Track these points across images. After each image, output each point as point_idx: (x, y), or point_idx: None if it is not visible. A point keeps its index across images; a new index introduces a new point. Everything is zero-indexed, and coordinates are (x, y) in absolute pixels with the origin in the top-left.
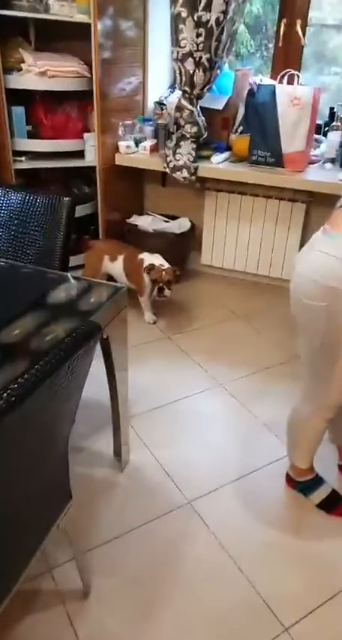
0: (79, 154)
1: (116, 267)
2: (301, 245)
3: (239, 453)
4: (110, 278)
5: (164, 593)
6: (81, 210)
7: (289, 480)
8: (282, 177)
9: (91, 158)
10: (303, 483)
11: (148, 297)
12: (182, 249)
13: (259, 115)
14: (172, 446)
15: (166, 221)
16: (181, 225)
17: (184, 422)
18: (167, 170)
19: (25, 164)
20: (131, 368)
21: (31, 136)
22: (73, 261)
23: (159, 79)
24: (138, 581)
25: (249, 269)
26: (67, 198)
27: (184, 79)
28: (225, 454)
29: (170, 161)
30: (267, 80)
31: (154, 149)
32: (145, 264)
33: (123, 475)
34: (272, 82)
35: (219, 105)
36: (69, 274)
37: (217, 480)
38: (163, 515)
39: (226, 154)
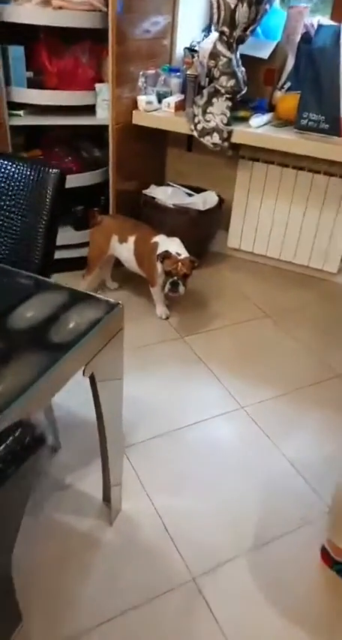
0: (90, 110)
1: (126, 250)
2: None
3: (259, 505)
4: (119, 262)
5: None
6: (90, 178)
7: (325, 555)
8: (337, 149)
9: (103, 115)
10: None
11: (160, 289)
12: (206, 228)
13: (315, 67)
14: (176, 490)
15: (190, 194)
16: (207, 200)
17: (195, 456)
18: (194, 133)
19: (23, 119)
20: (133, 377)
21: (32, 84)
22: (79, 237)
23: (192, 20)
24: None
25: (284, 257)
26: (54, 170)
27: (222, 15)
28: (241, 506)
29: (198, 122)
30: (327, 22)
31: (180, 107)
32: (160, 250)
33: (111, 530)
34: (334, 24)
35: (264, 52)
36: (48, 280)
37: (229, 548)
38: (158, 596)
39: (267, 116)
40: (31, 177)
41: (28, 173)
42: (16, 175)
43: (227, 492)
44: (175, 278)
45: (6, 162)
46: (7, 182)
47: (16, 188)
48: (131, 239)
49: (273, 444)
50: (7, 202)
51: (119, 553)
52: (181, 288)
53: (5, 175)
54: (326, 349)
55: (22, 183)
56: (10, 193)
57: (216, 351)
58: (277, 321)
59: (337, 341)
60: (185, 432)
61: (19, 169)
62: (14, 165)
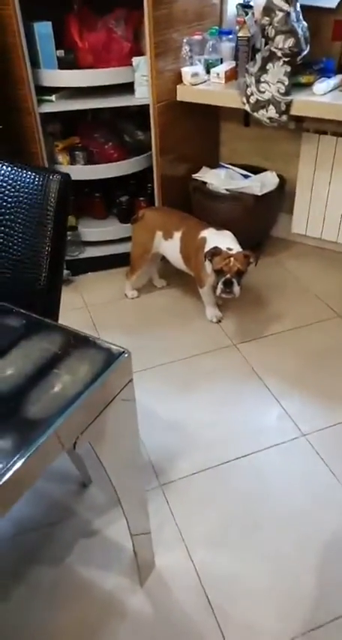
0: (129, 88)
1: (171, 247)
2: None
3: (317, 570)
4: (165, 261)
5: None
6: (134, 165)
7: None
8: None
9: (143, 93)
10: None
11: (210, 290)
12: (265, 215)
13: None
14: (222, 543)
15: (246, 175)
16: (265, 182)
17: (244, 498)
18: (247, 108)
19: (55, 105)
20: (175, 395)
21: (63, 64)
22: (125, 230)
23: None
24: None
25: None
26: (56, 175)
27: None
28: (296, 572)
29: (251, 94)
30: None
31: (232, 76)
32: (208, 246)
33: (141, 592)
34: None
35: (332, 1)
36: (41, 318)
37: (281, 627)
38: None
39: (336, 80)
40: (33, 183)
41: (28, 179)
42: (13, 180)
43: (281, 549)
44: (228, 276)
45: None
46: (5, 190)
47: (14, 197)
48: (177, 235)
49: (339, 482)
50: (7, 214)
51: (148, 624)
52: (236, 289)
53: (2, 182)
54: None
55: (22, 191)
56: (8, 203)
57: (275, 363)
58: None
59: None
60: (233, 466)
61: (17, 174)
62: (10, 168)
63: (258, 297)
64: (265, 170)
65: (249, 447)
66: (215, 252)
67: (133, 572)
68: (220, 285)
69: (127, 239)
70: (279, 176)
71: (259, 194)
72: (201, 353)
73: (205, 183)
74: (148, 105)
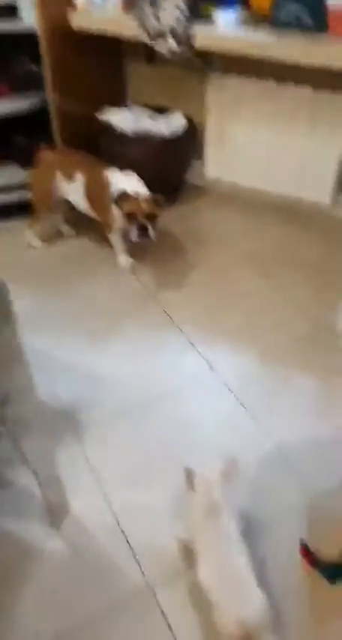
0: (11, 12)
1: (73, 190)
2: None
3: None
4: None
5: None
6: (28, 102)
7: (309, 556)
8: (324, 51)
9: (29, 18)
10: (336, 568)
11: (119, 235)
12: (176, 158)
13: None
14: (138, 483)
15: (154, 117)
16: (174, 123)
17: (162, 439)
18: (145, 38)
19: None
20: (90, 346)
21: None
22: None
23: None
24: None
25: (271, 187)
26: None
27: None
28: None
29: (148, 21)
30: None
31: (131, 3)
32: (113, 188)
33: (58, 538)
34: None
35: None
36: None
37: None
38: (110, 610)
39: (238, 11)
40: None
41: None
42: None
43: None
44: (142, 221)
45: None
46: None
47: None
48: (79, 177)
49: (255, 421)
50: None
51: (67, 565)
52: (152, 233)
53: None
54: (322, 297)
55: None
56: None
57: (190, 308)
58: (265, 268)
59: (335, 286)
60: (149, 409)
61: None
62: None
63: (174, 245)
64: (173, 111)
65: (167, 391)
66: (123, 196)
67: (47, 521)
68: (134, 231)
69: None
70: (188, 118)
71: (168, 136)
72: (115, 304)
73: (111, 124)
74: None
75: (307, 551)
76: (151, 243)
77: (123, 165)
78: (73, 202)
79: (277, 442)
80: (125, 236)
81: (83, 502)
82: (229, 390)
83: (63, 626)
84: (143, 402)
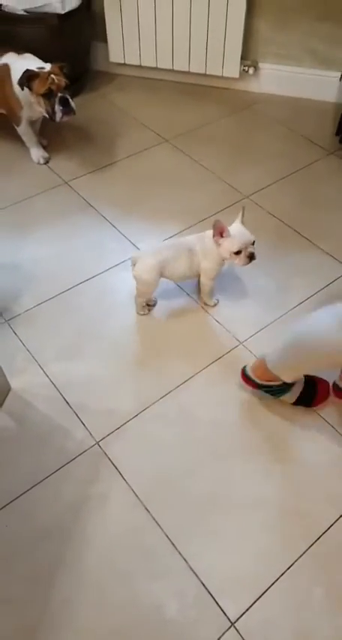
0: None
1: None
2: (249, 18)
3: (161, 354)
4: None
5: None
6: None
7: (246, 379)
8: None
9: None
10: (273, 388)
11: (28, 126)
12: (75, 39)
13: None
14: (73, 356)
15: None
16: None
17: (91, 316)
18: None
19: None
20: (11, 240)
21: None
22: None
23: None
24: (35, 567)
25: (178, 66)
26: None
27: None
28: (138, 360)
29: None
30: None
31: None
32: (14, 73)
33: (2, 413)
34: None
35: None
36: None
37: (133, 405)
38: (63, 466)
39: None
40: None
41: None
42: None
43: (126, 349)
44: (61, 94)
45: None
46: None
47: None
48: None
49: (177, 287)
50: None
51: (14, 436)
52: (73, 103)
53: None
54: (236, 168)
55: None
56: None
57: (108, 193)
58: (177, 145)
59: (249, 159)
60: (77, 291)
61: None
62: None
63: (86, 133)
64: None
65: (91, 272)
66: (31, 75)
67: None
68: (58, 108)
69: None
70: None
71: (62, 12)
72: (30, 196)
73: None
74: None
75: (247, 379)
76: (58, 126)
77: (16, 49)
78: None
79: (215, 314)
80: (34, 125)
81: (23, 379)
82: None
83: (17, 488)
84: (69, 284)
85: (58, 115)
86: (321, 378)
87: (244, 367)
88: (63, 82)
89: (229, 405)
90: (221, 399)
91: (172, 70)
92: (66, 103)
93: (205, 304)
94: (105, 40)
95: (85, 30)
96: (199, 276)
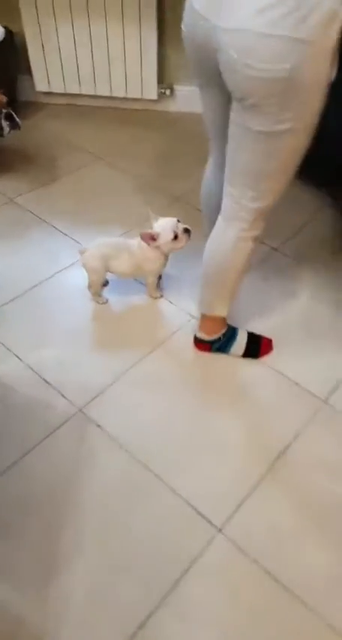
0: None
1: None
2: (160, 46)
3: (124, 326)
4: None
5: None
6: None
7: (201, 343)
8: None
9: None
10: (219, 340)
11: None
12: (1, 73)
13: None
14: (47, 344)
15: None
16: None
17: (56, 309)
18: None
19: None
20: None
21: None
22: None
23: None
24: (38, 524)
25: (101, 91)
26: None
27: None
28: (110, 337)
29: None
30: None
31: None
32: None
33: None
34: None
35: None
36: None
37: (109, 374)
38: (49, 435)
39: None
40: None
41: None
42: None
43: (92, 334)
44: (6, 111)
45: None
46: None
47: None
48: None
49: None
50: None
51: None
52: (17, 118)
53: None
54: (165, 177)
55: None
56: None
57: (54, 206)
58: (112, 161)
59: (175, 168)
60: (40, 289)
61: None
62: None
63: (25, 155)
64: None
65: (49, 272)
66: None
67: None
68: (5, 123)
69: None
70: (6, 28)
71: None
72: None
73: None
74: None
75: (199, 343)
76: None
77: None
78: None
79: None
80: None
81: (1, 368)
82: None
83: (9, 457)
84: (32, 283)
85: (6, 130)
86: (265, 337)
87: (195, 335)
88: (4, 99)
89: (189, 366)
90: (182, 363)
91: (96, 96)
92: (11, 117)
93: (151, 297)
94: (30, 72)
95: (10, 62)
96: (142, 275)
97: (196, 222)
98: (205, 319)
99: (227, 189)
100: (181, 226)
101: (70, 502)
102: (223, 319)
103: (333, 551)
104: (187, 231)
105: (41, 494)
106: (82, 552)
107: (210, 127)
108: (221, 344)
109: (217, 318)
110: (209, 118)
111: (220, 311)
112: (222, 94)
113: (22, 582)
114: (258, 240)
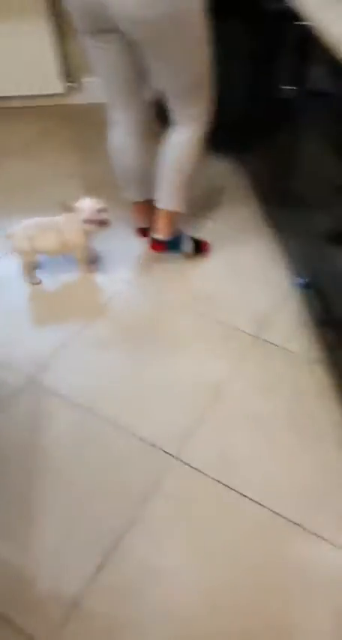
0: None
1: None
2: (62, 41)
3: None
4: None
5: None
6: None
7: (157, 244)
8: None
9: None
10: (174, 239)
11: None
12: None
13: None
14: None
15: None
16: None
17: None
18: None
19: None
20: None
21: None
22: None
23: None
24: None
25: (5, 91)
26: None
27: None
28: (46, 309)
29: None
30: None
31: None
32: None
33: None
34: None
35: None
36: None
37: (56, 339)
38: (7, 407)
39: None
40: None
41: None
42: None
43: (33, 310)
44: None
45: None
46: None
47: None
48: None
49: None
50: None
51: None
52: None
53: None
54: (82, 164)
55: None
56: None
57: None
58: (29, 155)
59: (90, 153)
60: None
61: None
62: None
63: None
64: None
65: None
66: None
67: None
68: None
69: None
70: None
71: None
72: None
73: None
74: None
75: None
76: None
77: None
78: None
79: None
80: None
81: None
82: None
83: None
84: None
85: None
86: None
87: (151, 237)
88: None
89: (129, 326)
90: (121, 324)
91: (3, 97)
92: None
93: (85, 272)
94: None
95: None
96: (70, 251)
97: (116, 201)
98: (162, 217)
99: (171, 107)
100: (101, 216)
101: (38, 455)
102: (177, 220)
103: (285, 459)
104: (102, 222)
105: (8, 455)
106: (53, 495)
107: (112, 85)
108: (175, 244)
109: (174, 215)
110: (111, 74)
111: (182, 206)
112: (119, 40)
113: (3, 529)
114: (202, 138)
